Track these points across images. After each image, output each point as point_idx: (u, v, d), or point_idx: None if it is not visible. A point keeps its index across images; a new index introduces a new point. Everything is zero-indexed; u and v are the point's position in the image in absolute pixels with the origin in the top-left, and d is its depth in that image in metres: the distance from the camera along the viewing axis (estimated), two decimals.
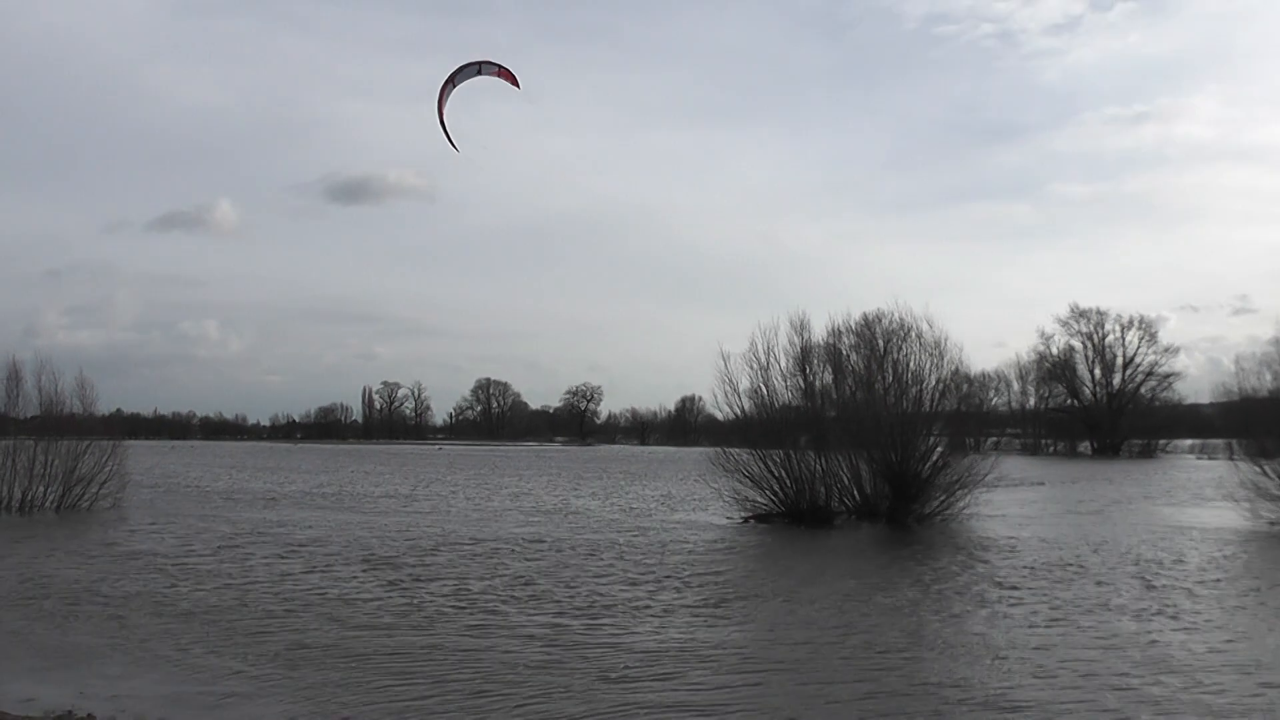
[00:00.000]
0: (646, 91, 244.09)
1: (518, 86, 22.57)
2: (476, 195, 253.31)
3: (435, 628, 16.33)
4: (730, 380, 35.44)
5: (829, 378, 36.72)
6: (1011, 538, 29.32)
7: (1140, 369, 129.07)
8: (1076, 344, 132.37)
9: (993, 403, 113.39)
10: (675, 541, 28.44)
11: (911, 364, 35.09)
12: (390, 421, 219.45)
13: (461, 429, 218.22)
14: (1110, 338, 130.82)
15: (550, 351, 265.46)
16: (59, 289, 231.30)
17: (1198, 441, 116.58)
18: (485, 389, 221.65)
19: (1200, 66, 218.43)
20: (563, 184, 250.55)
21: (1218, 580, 21.90)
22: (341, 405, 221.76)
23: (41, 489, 35.98)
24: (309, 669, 13.51)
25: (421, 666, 13.70)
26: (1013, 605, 18.60)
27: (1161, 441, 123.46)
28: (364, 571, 22.43)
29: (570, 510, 39.62)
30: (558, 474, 71.68)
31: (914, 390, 34.80)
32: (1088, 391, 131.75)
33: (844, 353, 36.85)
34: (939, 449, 34.20)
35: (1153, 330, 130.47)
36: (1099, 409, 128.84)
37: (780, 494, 33.75)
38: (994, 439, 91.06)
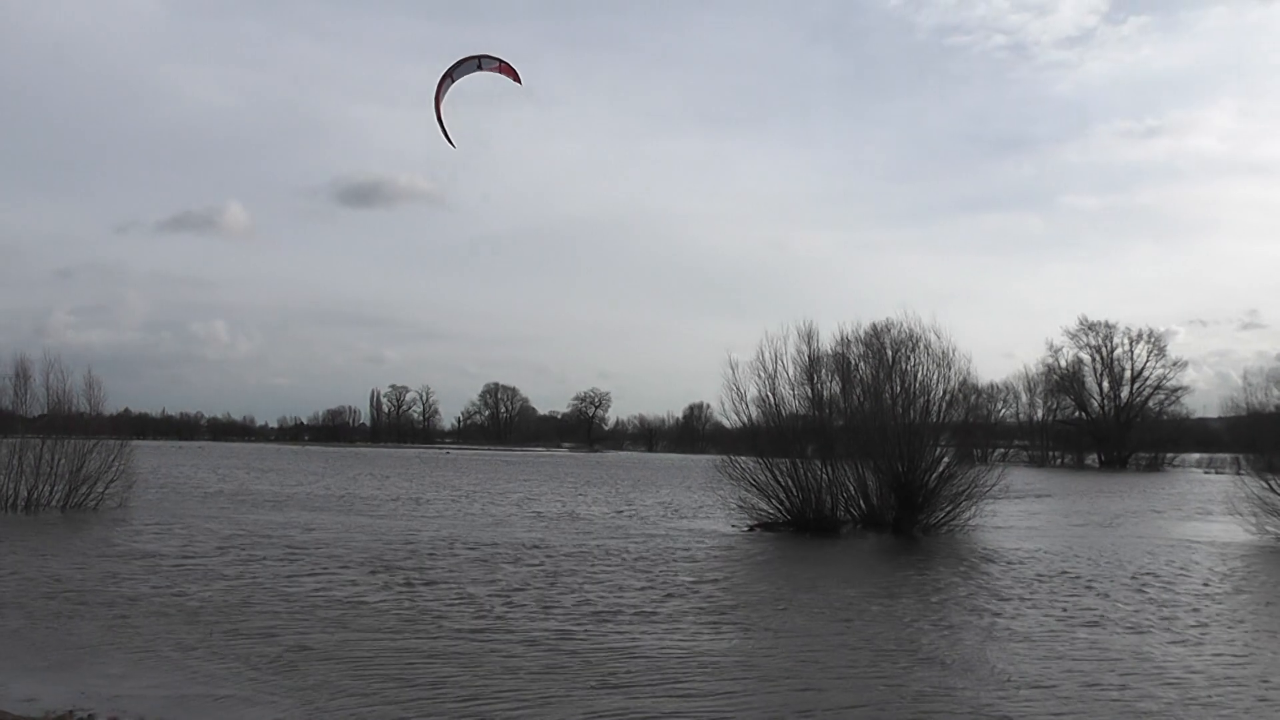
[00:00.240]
0: (658, 98, 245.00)
1: (519, 82, 22.09)
2: (487, 200, 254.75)
3: (438, 632, 16.32)
4: (738, 388, 35.49)
5: (837, 387, 36.72)
6: (1016, 549, 29.28)
7: (1148, 382, 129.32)
8: (1085, 356, 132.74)
9: (1000, 414, 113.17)
10: (680, 549, 28.41)
11: (919, 374, 35.12)
12: (398, 425, 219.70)
13: (469, 433, 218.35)
14: (1119, 351, 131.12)
15: (559, 357, 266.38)
16: (69, 288, 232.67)
17: (1205, 456, 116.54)
18: (493, 394, 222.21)
19: (1212, 80, 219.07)
20: (573, 189, 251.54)
21: (1222, 594, 21.87)
22: (349, 408, 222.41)
23: (47, 488, 35.96)
24: (311, 671, 13.51)
25: (422, 670, 13.69)
26: (1016, 616, 18.57)
27: (1169, 455, 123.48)
28: (369, 575, 22.43)
29: (576, 516, 39.61)
30: (565, 480, 71.67)
31: (921, 401, 34.77)
32: (1095, 404, 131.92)
33: (852, 362, 36.87)
34: (945, 460, 34.14)
35: (1161, 344, 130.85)
36: (1107, 422, 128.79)
37: (786, 503, 33.72)
38: (1001, 450, 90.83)
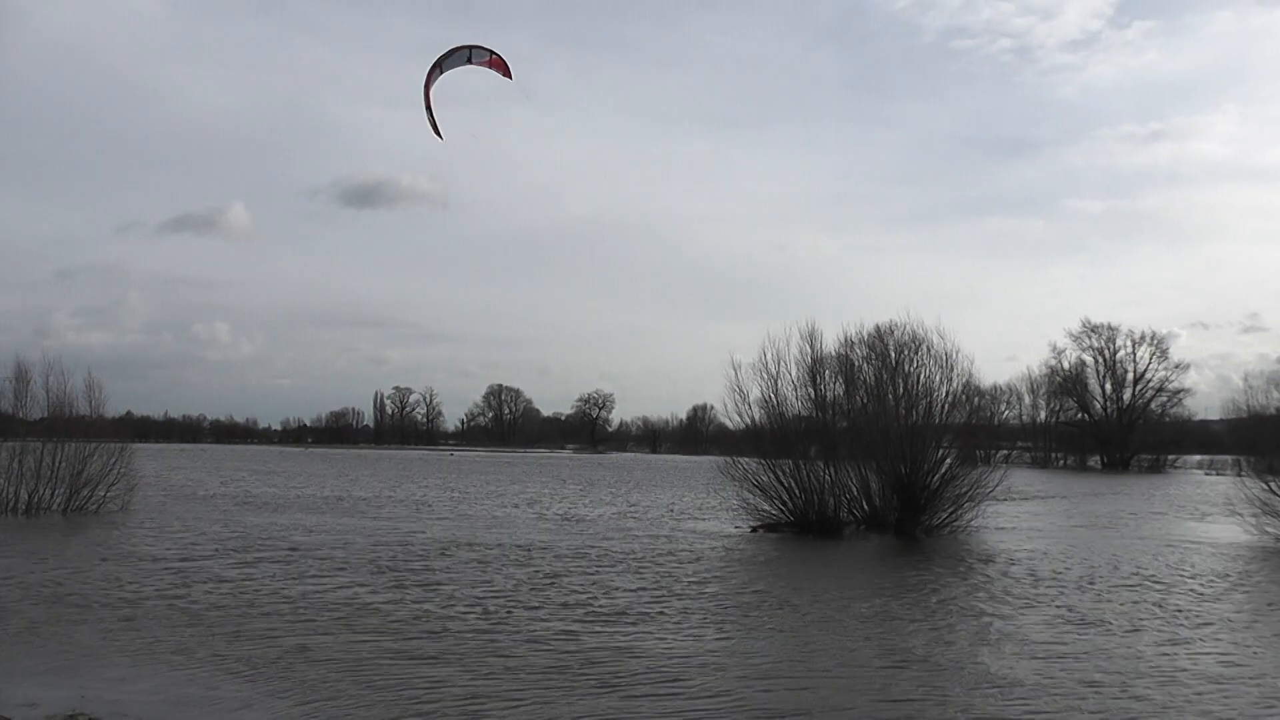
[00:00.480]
0: (661, 100, 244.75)
1: (509, 76, 21.64)
2: (490, 201, 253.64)
3: (441, 633, 16.32)
4: (741, 389, 35.48)
5: (840, 388, 36.72)
6: (1018, 550, 29.28)
7: (1150, 384, 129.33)
8: (1088, 359, 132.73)
9: (1003, 416, 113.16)
10: (683, 550, 28.40)
11: (922, 376, 35.13)
12: (401, 427, 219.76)
13: (473, 435, 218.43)
14: (1121, 353, 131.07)
15: (562, 358, 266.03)
16: (70, 290, 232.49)
17: (1206, 457, 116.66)
18: (497, 395, 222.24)
19: (1216, 86, 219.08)
20: (576, 191, 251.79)
21: (1223, 594, 21.90)
22: (353, 410, 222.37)
23: (48, 491, 35.92)
24: (312, 673, 13.51)
25: (422, 671, 13.69)
26: (1018, 616, 18.58)
27: (1170, 457, 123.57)
28: (372, 576, 22.44)
29: (579, 518, 39.61)
30: (568, 481, 71.67)
31: (924, 402, 34.77)
32: (1098, 406, 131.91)
33: (855, 364, 36.87)
34: (948, 461, 34.14)
35: (1163, 346, 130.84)
36: (1109, 423, 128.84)
37: (789, 504, 33.72)
38: (1004, 452, 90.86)
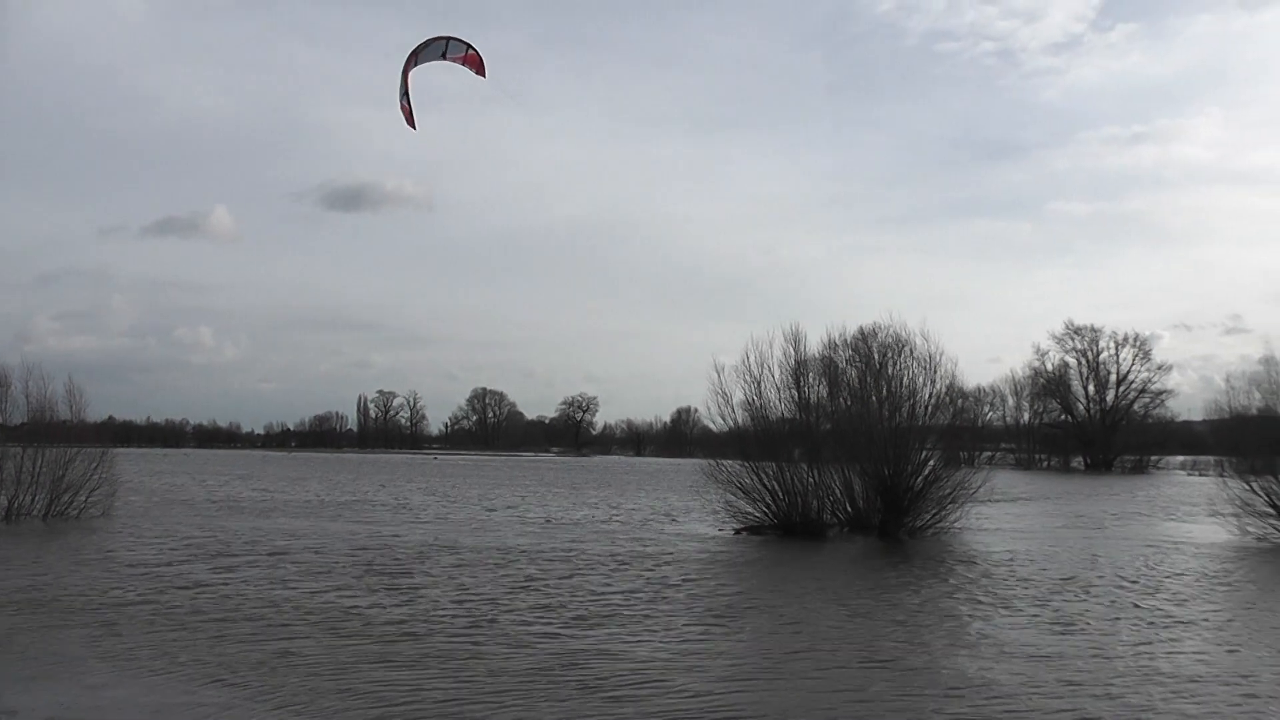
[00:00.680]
0: (648, 101, 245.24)
1: (483, 75, 21.40)
2: (475, 203, 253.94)
3: (425, 637, 16.28)
4: (724, 392, 35.42)
5: (823, 391, 36.73)
6: (1001, 551, 29.36)
7: (1134, 386, 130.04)
8: (1071, 360, 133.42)
9: (987, 417, 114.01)
10: (667, 553, 28.38)
11: (906, 378, 35.12)
12: (385, 430, 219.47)
13: (457, 438, 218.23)
14: (1104, 355, 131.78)
15: (546, 361, 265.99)
16: (53, 293, 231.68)
17: (1189, 458, 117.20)
18: (481, 398, 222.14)
19: (1199, 88, 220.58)
20: (562, 193, 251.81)
21: (1205, 594, 21.99)
22: (337, 414, 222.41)
23: (29, 497, 35.70)
24: (294, 678, 13.46)
25: (405, 675, 13.67)
26: (1001, 617, 18.63)
27: (1154, 458, 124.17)
28: (356, 580, 22.38)
29: (564, 521, 39.55)
30: (553, 484, 71.60)
31: (908, 404, 34.78)
32: (1081, 407, 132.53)
33: (839, 366, 36.89)
34: (932, 463, 34.18)
35: (1146, 348, 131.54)
36: (1092, 425, 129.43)
37: (773, 506, 33.70)
38: (988, 454, 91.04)
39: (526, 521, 39.05)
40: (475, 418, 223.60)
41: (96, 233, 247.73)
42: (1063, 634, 17.09)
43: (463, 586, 21.63)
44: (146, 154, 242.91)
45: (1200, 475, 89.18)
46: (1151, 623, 18.29)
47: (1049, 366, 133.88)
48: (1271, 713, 12.41)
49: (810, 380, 36.18)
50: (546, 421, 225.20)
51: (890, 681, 13.66)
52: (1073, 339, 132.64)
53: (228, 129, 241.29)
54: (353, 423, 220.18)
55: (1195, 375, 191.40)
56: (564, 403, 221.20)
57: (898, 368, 35.34)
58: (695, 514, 40.60)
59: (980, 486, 34.15)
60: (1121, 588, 22.56)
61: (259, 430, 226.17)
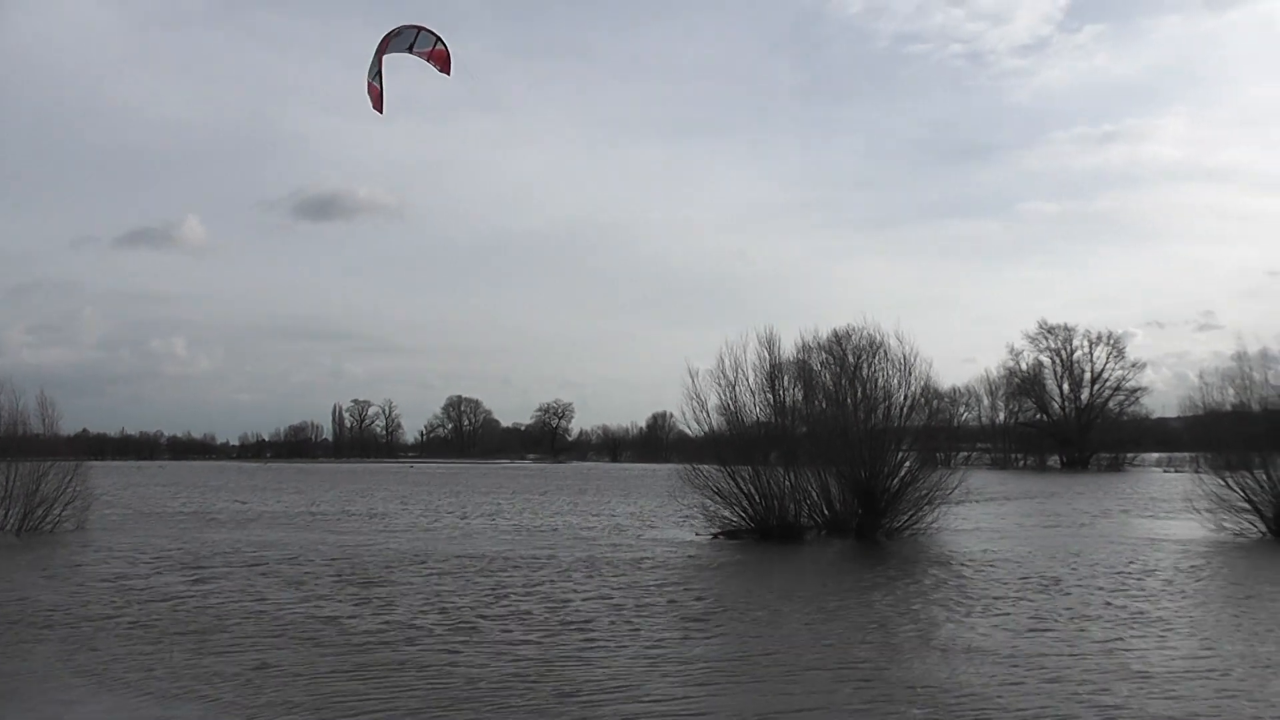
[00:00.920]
0: (618, 107, 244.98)
1: (448, 73, 21.44)
2: (447, 211, 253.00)
3: (403, 646, 16.21)
4: (699, 397, 35.47)
5: (799, 394, 36.76)
6: (979, 550, 29.47)
7: (1108, 384, 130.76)
8: (1045, 359, 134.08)
9: (963, 418, 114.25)
10: (643, 558, 28.35)
11: (880, 380, 35.25)
12: (361, 440, 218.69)
13: (433, 447, 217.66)
14: (1078, 353, 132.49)
15: (522, 368, 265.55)
16: (23, 306, 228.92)
17: (1164, 455, 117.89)
18: (456, 406, 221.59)
19: (1167, 88, 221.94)
20: (534, 200, 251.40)
21: (1182, 590, 22.12)
22: (312, 424, 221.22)
23: (2, 511, 35.39)
24: (270, 690, 13.37)
25: (381, 684, 13.61)
26: (980, 616, 18.69)
27: (1129, 455, 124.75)
28: (335, 591, 22.26)
29: (540, 528, 39.46)
30: (530, 492, 71.43)
31: (883, 406, 34.88)
32: (1056, 406, 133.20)
33: (814, 369, 36.96)
34: (908, 464, 34.25)
35: (1120, 346, 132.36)
36: (1068, 423, 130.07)
37: (750, 510, 33.70)
38: (964, 454, 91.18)
39: (502, 529, 38.94)
40: (451, 426, 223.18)
41: (68, 244, 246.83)
42: (1037, 633, 17.14)
43: (439, 595, 21.55)
44: (118, 164, 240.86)
45: (1176, 472, 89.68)
46: (1126, 620, 18.35)
47: (1023, 366, 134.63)
48: (1246, 709, 12.45)
49: (785, 383, 36.24)
50: (522, 429, 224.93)
51: (861, 685, 13.65)
52: (1046, 338, 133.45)
53: (199, 138, 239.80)
54: (328, 433, 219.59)
55: (1169, 372, 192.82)
56: (540, 409, 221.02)
57: (872, 369, 35.50)
58: (672, 519, 40.58)
59: (957, 487, 34.26)
60: (1100, 586, 22.64)
61: (234, 441, 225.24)
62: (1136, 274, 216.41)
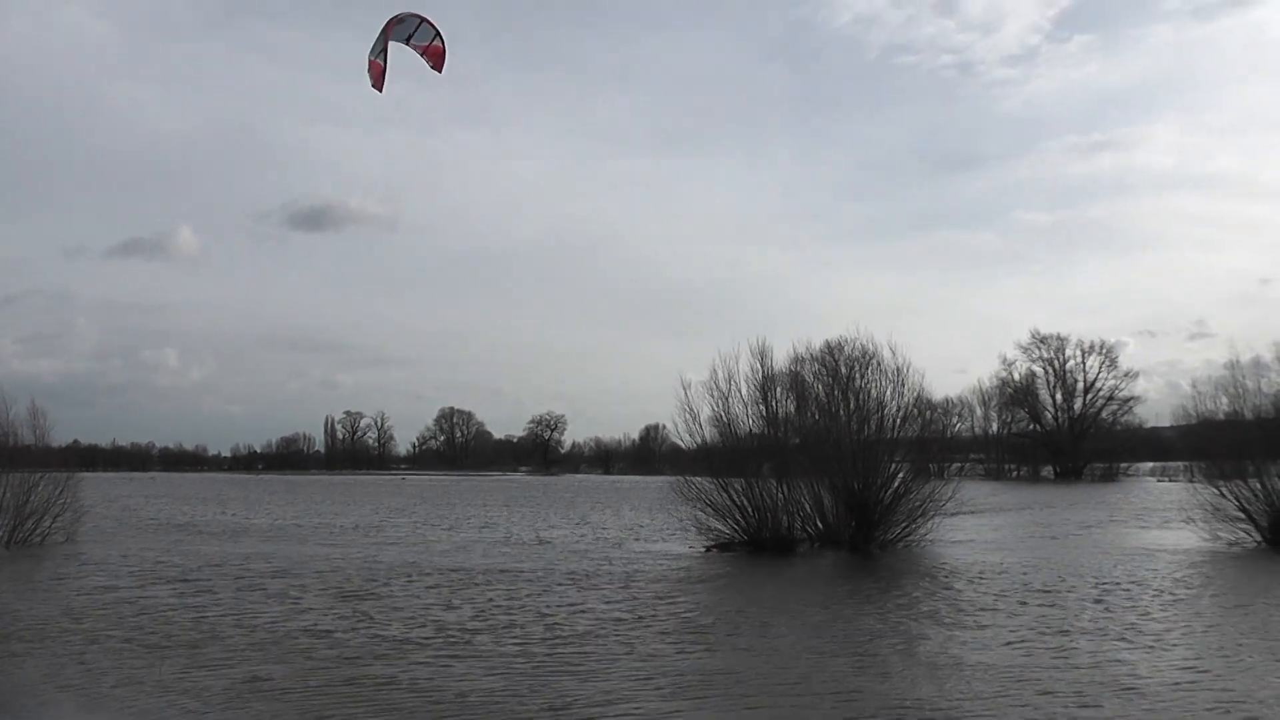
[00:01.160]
0: (610, 118, 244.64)
1: (439, 70, 21.36)
2: (439, 222, 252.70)
3: (396, 660, 16.13)
4: (691, 408, 35.38)
5: (791, 405, 36.72)
6: (973, 562, 29.38)
7: (1101, 393, 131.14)
8: (1038, 369, 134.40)
9: (956, 428, 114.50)
10: (636, 571, 28.27)
11: (873, 391, 35.19)
12: (353, 451, 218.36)
13: (425, 459, 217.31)
14: (1071, 363, 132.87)
15: (514, 380, 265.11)
16: (15, 316, 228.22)
17: (1158, 464, 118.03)
18: (449, 418, 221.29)
19: (1157, 97, 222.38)
20: (526, 211, 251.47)
21: (1177, 601, 22.05)
22: (304, 435, 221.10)
23: None
24: (261, 704, 13.31)
25: (372, 698, 13.54)
26: (974, 628, 18.63)
27: (1123, 465, 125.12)
28: (327, 604, 22.15)
29: (533, 541, 39.36)
30: (522, 504, 71.32)
31: (876, 417, 34.81)
32: (1049, 416, 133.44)
33: (807, 380, 36.91)
34: (901, 475, 34.19)
35: (1112, 355, 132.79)
36: (1061, 433, 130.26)
37: (742, 523, 33.61)
38: (957, 465, 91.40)
39: (495, 542, 38.84)
40: (443, 438, 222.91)
41: (60, 254, 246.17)
42: (1037, 645, 17.08)
43: (430, 609, 21.46)
44: (110, 174, 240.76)
45: (1170, 481, 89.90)
46: (1118, 633, 18.28)
47: (1016, 376, 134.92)
48: None
49: (778, 395, 36.22)
50: (515, 440, 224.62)
51: (849, 699, 13.59)
52: (1039, 348, 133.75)
53: (192, 149, 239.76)
54: (320, 444, 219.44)
55: (1161, 381, 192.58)
56: (532, 421, 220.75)
57: (865, 380, 35.43)
58: (665, 532, 40.51)
59: (950, 498, 34.20)
60: (1096, 597, 22.59)
61: (225, 453, 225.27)
62: (1128, 283, 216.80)
